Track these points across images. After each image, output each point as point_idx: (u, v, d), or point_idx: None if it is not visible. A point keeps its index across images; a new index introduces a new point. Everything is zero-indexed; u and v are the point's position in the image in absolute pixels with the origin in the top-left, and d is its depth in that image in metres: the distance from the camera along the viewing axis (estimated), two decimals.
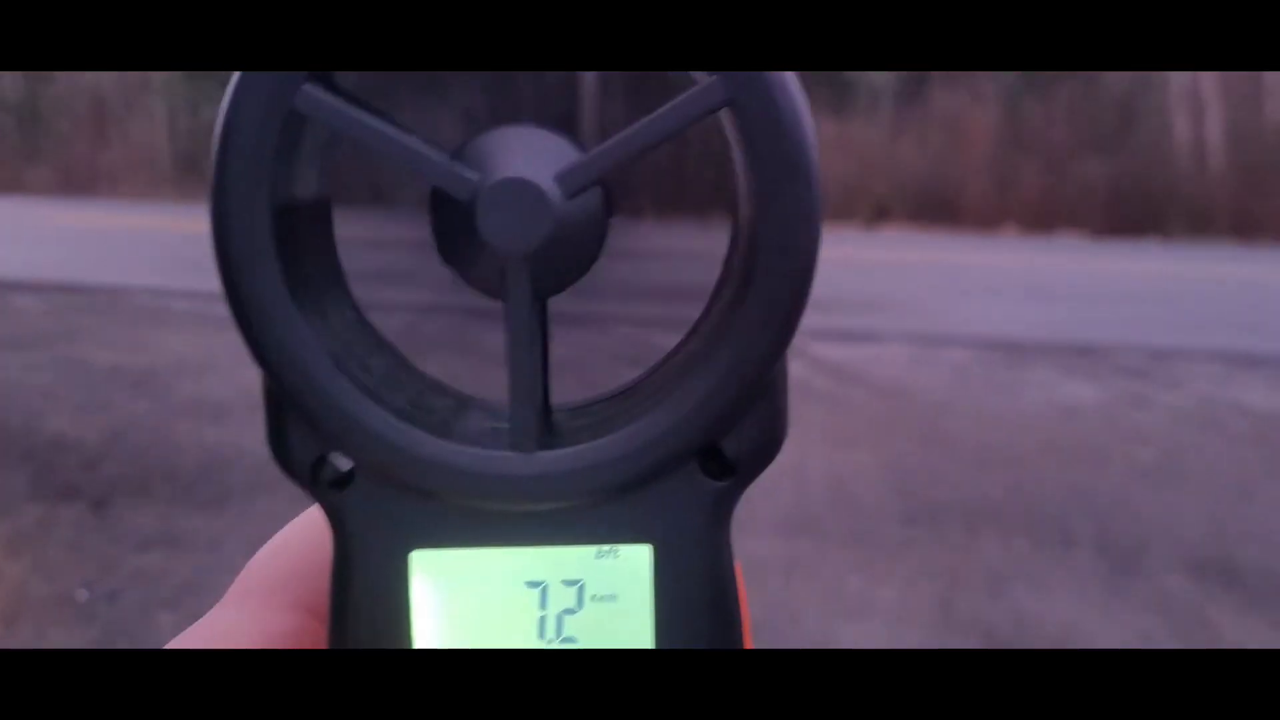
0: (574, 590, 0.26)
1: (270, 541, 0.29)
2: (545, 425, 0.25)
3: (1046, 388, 4.17)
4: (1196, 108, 12.42)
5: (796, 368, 4.18)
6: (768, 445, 0.25)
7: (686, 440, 0.24)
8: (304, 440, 0.25)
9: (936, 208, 12.37)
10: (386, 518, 0.25)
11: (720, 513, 0.25)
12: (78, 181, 12.90)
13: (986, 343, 4.93)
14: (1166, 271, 8.04)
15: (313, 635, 0.27)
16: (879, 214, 12.29)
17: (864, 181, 12.29)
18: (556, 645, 0.26)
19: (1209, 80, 12.12)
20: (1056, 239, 11.56)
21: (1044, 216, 12.00)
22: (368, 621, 0.25)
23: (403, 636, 0.25)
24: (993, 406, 3.84)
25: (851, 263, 7.26)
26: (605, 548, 0.25)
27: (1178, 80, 12.28)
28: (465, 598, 0.25)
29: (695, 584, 0.26)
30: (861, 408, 3.73)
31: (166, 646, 0.26)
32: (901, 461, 3.13)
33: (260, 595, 0.28)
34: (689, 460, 0.25)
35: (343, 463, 0.25)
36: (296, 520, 0.29)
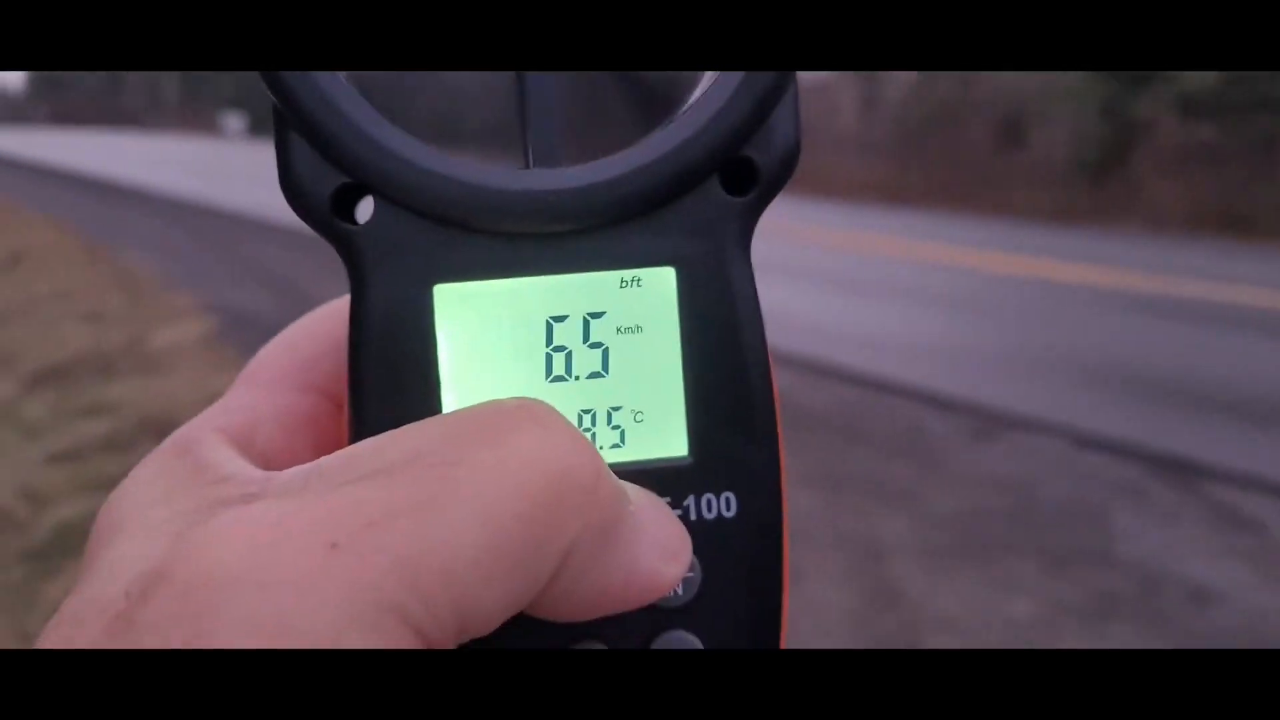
0: (600, 323, 0.25)
1: (278, 336, 0.27)
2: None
3: None
4: None
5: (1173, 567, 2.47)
6: (788, 153, 0.25)
7: (711, 147, 0.24)
8: (319, 171, 0.24)
9: None
10: (408, 251, 0.24)
11: (744, 231, 0.25)
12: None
13: None
14: None
15: (330, 417, 0.26)
16: None
17: None
18: (584, 380, 0.25)
19: None
20: None
21: None
22: (390, 365, 0.24)
23: (428, 377, 0.25)
24: None
25: None
26: (628, 276, 0.25)
27: None
28: (491, 333, 0.25)
29: (721, 308, 0.25)
30: None
31: (177, 434, 0.24)
32: None
33: (271, 379, 0.26)
34: (712, 172, 0.25)
35: (360, 193, 0.24)
36: (307, 315, 0.28)
